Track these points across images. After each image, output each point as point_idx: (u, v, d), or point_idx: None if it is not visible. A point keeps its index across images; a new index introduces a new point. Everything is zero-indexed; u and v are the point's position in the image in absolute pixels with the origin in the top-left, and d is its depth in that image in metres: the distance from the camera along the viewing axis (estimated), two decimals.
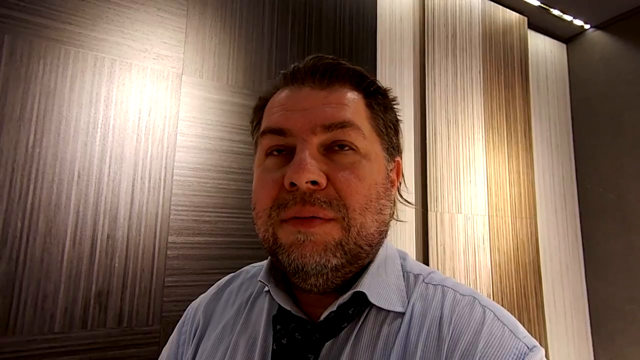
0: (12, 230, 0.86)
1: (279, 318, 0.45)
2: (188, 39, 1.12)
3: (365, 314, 0.43)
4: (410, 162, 1.48)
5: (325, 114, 0.41)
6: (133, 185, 0.99)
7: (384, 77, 1.48)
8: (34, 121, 0.90)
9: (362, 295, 0.42)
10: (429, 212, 1.41)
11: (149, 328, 0.97)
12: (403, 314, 0.42)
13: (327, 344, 0.41)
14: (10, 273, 0.84)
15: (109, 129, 0.98)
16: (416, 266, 0.49)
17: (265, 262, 0.49)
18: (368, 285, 0.42)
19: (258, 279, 0.47)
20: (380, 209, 0.42)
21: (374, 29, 1.46)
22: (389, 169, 0.46)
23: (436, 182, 1.45)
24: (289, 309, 0.43)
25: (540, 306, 1.68)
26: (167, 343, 0.57)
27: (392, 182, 0.47)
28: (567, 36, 2.17)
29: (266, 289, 0.48)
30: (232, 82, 1.17)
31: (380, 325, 0.42)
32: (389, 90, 0.49)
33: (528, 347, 0.38)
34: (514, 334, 0.39)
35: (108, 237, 0.95)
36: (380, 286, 0.43)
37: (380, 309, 0.42)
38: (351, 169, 0.40)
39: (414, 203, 1.43)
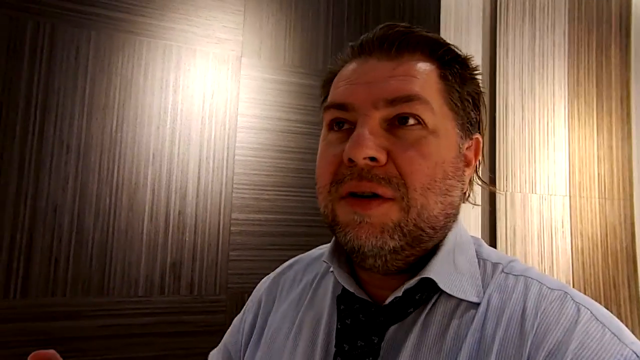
0: (103, 205, 0.98)
1: (342, 298, 0.44)
2: (246, 21, 1.15)
3: (433, 300, 0.40)
4: (484, 142, 1.37)
5: (390, 87, 0.38)
6: (199, 166, 1.07)
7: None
8: (116, 109, 1.01)
9: (430, 281, 0.40)
10: (497, 191, 1.30)
11: (216, 297, 1.05)
12: (478, 304, 0.39)
13: (393, 327, 0.40)
14: (103, 242, 0.97)
15: (177, 113, 1.06)
16: (494, 254, 0.45)
17: (331, 242, 0.49)
18: (437, 271, 0.40)
19: (322, 259, 0.47)
20: (447, 189, 0.39)
21: None
22: (463, 146, 0.42)
23: (506, 159, 1.33)
24: (352, 290, 0.43)
25: (634, 299, 1.49)
26: (232, 327, 0.59)
27: (467, 162, 0.43)
28: None
29: (331, 269, 0.48)
30: (289, 61, 1.18)
31: (451, 314, 0.39)
32: (469, 58, 0.44)
33: (637, 355, 0.33)
34: (617, 337, 0.34)
35: (179, 214, 1.04)
36: (451, 272, 0.40)
37: (450, 296, 0.40)
38: (415, 146, 0.37)
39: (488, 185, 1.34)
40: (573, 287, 1.36)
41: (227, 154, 1.10)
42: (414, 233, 0.38)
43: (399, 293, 0.39)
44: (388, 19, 1.28)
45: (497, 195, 1.31)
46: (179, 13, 1.08)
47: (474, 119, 0.44)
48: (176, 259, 1.03)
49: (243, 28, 1.15)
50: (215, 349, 0.61)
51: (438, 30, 1.36)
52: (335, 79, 0.44)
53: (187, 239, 1.04)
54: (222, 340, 0.59)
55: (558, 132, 1.43)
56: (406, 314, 0.40)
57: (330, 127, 0.42)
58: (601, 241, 1.46)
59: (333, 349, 0.42)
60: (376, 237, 0.37)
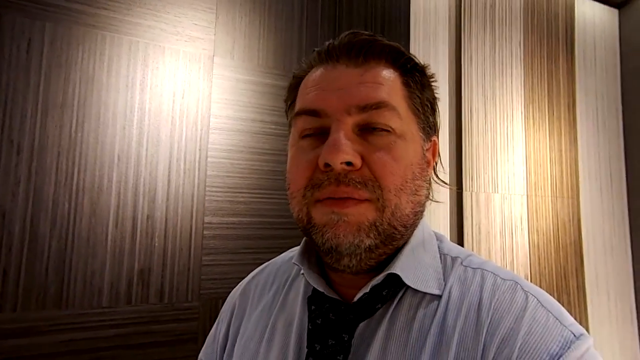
0: (61, 211, 0.90)
1: (313, 299, 0.45)
2: (219, 19, 1.12)
3: (400, 295, 0.42)
4: (444, 140, 1.43)
5: (360, 94, 0.40)
6: (169, 167, 1.02)
7: (417, 53, 1.42)
8: (76, 106, 0.94)
9: (396, 277, 0.41)
10: (464, 191, 1.36)
11: (189, 304, 1.01)
12: (440, 296, 0.41)
13: (362, 324, 0.42)
14: (61, 251, 0.90)
15: (145, 113, 1.01)
16: (454, 248, 0.48)
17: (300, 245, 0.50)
18: (402, 266, 0.41)
19: (292, 261, 0.48)
20: (416, 189, 0.41)
21: (407, 3, 1.40)
22: (425, 148, 0.44)
23: (472, 160, 1.40)
24: (322, 290, 0.44)
25: (581, 288, 1.62)
26: (208, 338, 0.59)
27: (428, 162, 0.45)
28: (620, 0, 1.99)
29: (302, 271, 0.48)
30: (263, 62, 1.16)
31: (416, 307, 0.41)
32: (426, 67, 0.47)
33: (575, 335, 0.37)
34: (559, 320, 0.38)
35: (148, 218, 0.98)
36: (415, 267, 0.42)
37: (415, 291, 0.42)
38: (386, 150, 0.39)
39: (448, 183, 1.39)
40: (530, 278, 1.46)
41: (199, 155, 1.06)
42: (387, 231, 0.40)
43: (367, 289, 0.41)
44: (361, 23, 1.30)
45: (464, 195, 1.37)
46: (146, 8, 1.03)
47: (432, 123, 0.46)
48: (144, 265, 0.97)
49: (215, 27, 1.11)
50: None
51: (408, 37, 1.40)
52: (303, 85, 0.45)
53: (156, 244, 0.98)
54: (200, 355, 0.58)
55: (516, 136, 1.53)
56: (374, 310, 0.42)
57: (302, 133, 0.43)
58: (554, 236, 1.57)
59: (305, 350, 0.43)
60: (353, 235, 0.38)
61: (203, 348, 0.58)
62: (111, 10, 0.99)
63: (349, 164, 0.38)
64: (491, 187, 1.44)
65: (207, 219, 1.05)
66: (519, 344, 0.36)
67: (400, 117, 0.41)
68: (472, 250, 1.36)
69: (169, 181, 1.01)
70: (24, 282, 0.86)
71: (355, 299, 0.42)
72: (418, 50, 1.43)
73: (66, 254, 0.90)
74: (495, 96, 1.49)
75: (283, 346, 0.45)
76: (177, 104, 1.04)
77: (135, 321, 0.95)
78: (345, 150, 0.38)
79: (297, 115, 0.43)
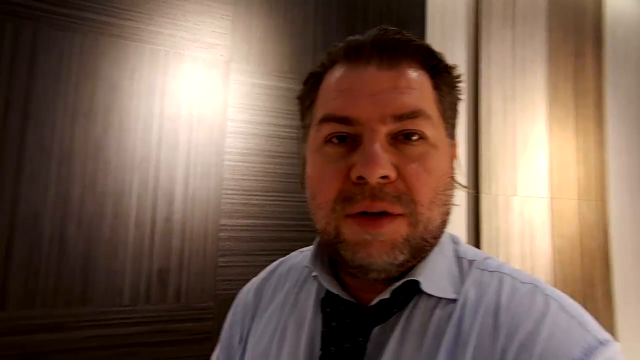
0: (87, 213, 0.95)
1: (327, 301, 0.45)
2: (235, 26, 1.14)
3: (416, 300, 0.42)
4: (461, 142, 1.41)
5: (396, 101, 0.38)
6: (187, 171, 1.05)
7: None
8: (101, 114, 0.99)
9: (413, 282, 0.41)
10: (481, 194, 1.34)
11: (204, 304, 1.04)
12: (456, 300, 0.41)
13: (377, 328, 0.41)
14: (86, 251, 0.95)
15: (165, 118, 1.04)
16: (470, 251, 0.47)
17: (311, 247, 0.49)
18: (420, 272, 0.41)
19: (305, 264, 0.48)
20: (446, 200, 0.40)
21: (422, 2, 1.38)
22: (451, 154, 0.43)
23: (489, 162, 1.37)
24: (337, 292, 0.43)
25: (608, 296, 1.55)
26: (224, 325, 0.59)
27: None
28: None
29: (314, 273, 0.48)
30: (278, 67, 1.18)
31: (432, 311, 0.41)
32: (454, 67, 0.44)
33: (599, 341, 0.35)
34: (582, 325, 0.36)
35: (166, 220, 1.02)
36: (432, 273, 0.42)
37: (431, 295, 0.41)
38: (420, 161, 0.38)
39: (465, 185, 1.37)
40: (554, 284, 1.41)
41: (216, 159, 1.09)
42: (419, 245, 0.39)
43: (387, 295, 0.40)
44: (375, 25, 1.30)
45: (481, 198, 1.34)
46: (167, 17, 1.07)
47: (455, 125, 0.45)
48: (163, 266, 1.01)
49: (232, 33, 1.14)
50: None
51: (423, 37, 1.39)
52: (326, 85, 0.43)
53: (174, 245, 1.02)
54: (214, 355, 0.59)
55: (538, 136, 1.48)
56: (390, 314, 0.41)
57: (328, 140, 0.41)
58: (579, 241, 1.51)
59: (318, 352, 0.43)
60: (388, 254, 0.37)
61: (218, 349, 0.58)
62: (134, 21, 1.04)
63: (385, 177, 0.37)
64: (510, 189, 1.40)
65: (222, 221, 1.07)
66: (539, 349, 0.35)
67: (434, 126, 0.39)
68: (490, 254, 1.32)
69: (186, 184, 1.05)
70: (53, 280, 0.91)
71: (373, 303, 0.41)
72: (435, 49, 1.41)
73: (90, 255, 0.95)
74: (515, 96, 1.44)
75: (294, 348, 0.45)
76: (194, 109, 1.08)
77: (154, 320, 0.99)
78: (382, 164, 0.36)
79: (324, 121, 0.40)
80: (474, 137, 1.39)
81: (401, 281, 0.40)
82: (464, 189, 0.51)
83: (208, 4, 1.12)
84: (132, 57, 1.02)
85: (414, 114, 0.38)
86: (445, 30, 1.44)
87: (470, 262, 0.44)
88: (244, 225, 1.10)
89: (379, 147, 0.37)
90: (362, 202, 0.37)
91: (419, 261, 0.42)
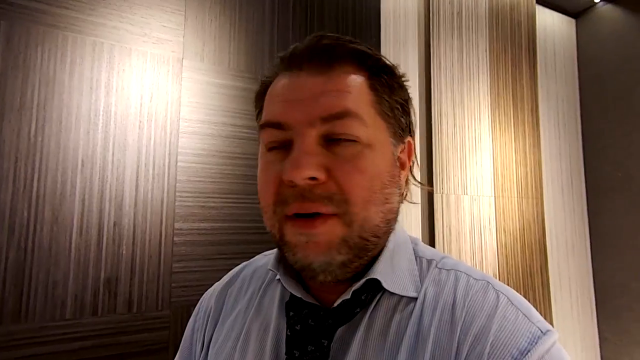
0: (19, 219, 0.86)
1: (291, 305, 0.45)
2: (187, 22, 1.10)
3: (377, 299, 0.43)
4: (415, 143, 1.45)
5: (324, 103, 0.39)
6: (137, 173, 0.99)
7: (388, 57, 1.45)
8: (35, 109, 0.89)
9: (375, 281, 0.42)
10: (434, 193, 1.40)
11: (159, 313, 0.98)
12: (416, 298, 0.42)
13: (340, 329, 0.42)
14: (20, 261, 0.85)
15: (111, 116, 0.97)
16: (428, 251, 0.48)
17: (275, 250, 0.49)
18: (381, 271, 0.42)
19: (268, 267, 0.47)
20: (386, 198, 0.41)
21: (377, 8, 1.42)
22: (397, 152, 0.44)
23: (442, 163, 1.44)
24: (299, 295, 0.43)
25: (545, 285, 1.69)
26: (185, 331, 0.57)
27: (402, 165, 0.45)
28: (576, 10, 2.10)
29: (277, 277, 0.48)
30: (234, 65, 1.15)
31: (393, 310, 0.42)
32: (395, 67, 0.45)
33: (542, 331, 0.38)
34: (527, 318, 0.39)
35: (114, 225, 0.95)
36: (393, 272, 0.43)
37: (392, 294, 0.42)
38: (352, 161, 0.39)
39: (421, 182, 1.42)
40: (498, 277, 1.51)
41: (169, 160, 1.03)
42: (359, 245, 0.39)
43: (347, 296, 0.41)
44: (332, 28, 1.31)
45: (435, 197, 1.40)
46: (111, 8, 1.00)
47: (405, 124, 0.46)
48: (111, 274, 0.93)
49: (184, 29, 1.09)
50: None
51: (379, 41, 1.43)
52: (268, 94, 0.44)
53: (124, 252, 0.95)
54: None
55: (484, 139, 1.58)
56: (353, 314, 0.42)
57: (268, 146, 0.42)
58: (520, 236, 1.63)
59: (284, 357, 0.43)
60: (324, 254, 0.38)
61: (177, 358, 0.56)
62: (73, 10, 0.95)
63: (313, 178, 0.37)
64: (461, 188, 1.48)
65: (177, 225, 1.02)
66: (490, 340, 0.37)
67: (367, 125, 0.40)
68: (443, 250, 1.39)
69: (137, 187, 0.98)
70: None
71: (335, 304, 0.41)
72: (389, 54, 1.46)
73: (25, 265, 0.86)
74: (463, 100, 1.53)
75: (258, 352, 0.45)
76: (145, 107, 1.01)
77: (102, 333, 0.91)
78: (306, 165, 0.37)
79: (262, 127, 0.42)
80: (427, 138, 1.46)
81: (361, 281, 0.41)
82: (421, 186, 0.53)
83: None
84: (70, 50, 0.94)
85: (342, 115, 0.39)
86: (399, 36, 1.49)
87: (429, 261, 0.46)
88: (201, 229, 1.05)
89: (304, 151, 0.38)
90: (294, 203, 0.38)
91: (374, 261, 0.43)
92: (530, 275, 1.65)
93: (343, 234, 0.38)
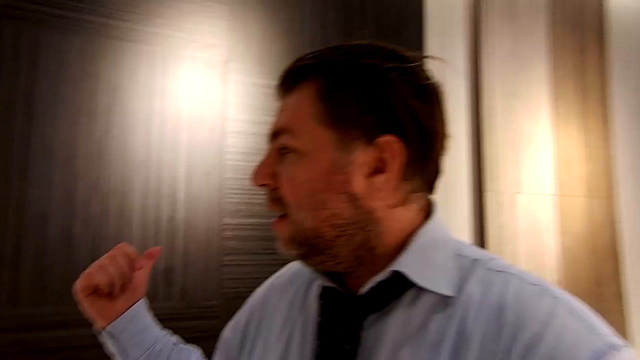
0: (92, 213, 0.96)
1: (323, 294, 0.47)
2: (233, 25, 1.15)
3: (412, 294, 0.42)
4: (461, 139, 1.39)
5: (272, 124, 0.46)
6: (189, 171, 1.06)
7: (433, 51, 1.40)
8: (102, 115, 1.00)
9: (404, 275, 0.41)
10: (484, 192, 1.32)
11: (210, 303, 1.05)
12: (456, 298, 0.41)
13: (371, 316, 0.42)
14: (93, 251, 0.96)
15: (166, 119, 1.05)
16: (476, 251, 0.46)
17: None
18: (407, 264, 0.41)
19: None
20: (321, 203, 0.42)
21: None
22: (350, 157, 0.42)
23: (493, 160, 1.35)
24: (327, 284, 0.45)
25: (618, 296, 1.53)
26: (232, 323, 0.61)
27: (377, 169, 0.42)
28: None
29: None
30: (277, 65, 1.19)
31: (434, 308, 0.41)
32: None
33: (610, 347, 0.34)
34: (591, 330, 0.36)
35: (170, 219, 1.03)
36: (425, 266, 0.42)
37: (430, 292, 0.41)
38: (286, 169, 0.44)
39: (467, 182, 1.36)
40: (560, 284, 1.39)
41: (217, 159, 1.09)
42: (307, 242, 0.43)
43: (371, 284, 0.42)
44: (373, 24, 1.30)
45: (484, 196, 1.33)
46: (165, 18, 1.08)
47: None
48: (167, 265, 1.02)
49: (229, 32, 1.15)
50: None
51: (422, 34, 1.38)
52: None
53: (178, 244, 1.03)
54: (219, 347, 0.60)
55: (543, 133, 1.46)
56: (382, 304, 0.42)
57: None
58: (586, 239, 1.49)
59: (316, 342, 0.44)
60: (285, 248, 0.45)
61: (218, 350, 0.60)
62: (132, 22, 1.05)
63: (264, 185, 0.45)
64: (515, 187, 1.38)
65: (225, 220, 1.08)
66: (544, 351, 0.34)
67: (301, 138, 0.43)
68: (494, 253, 1.32)
69: (188, 184, 1.06)
70: (62, 278, 0.92)
71: (362, 291, 0.42)
72: (433, 46, 1.40)
73: (97, 254, 0.96)
74: (517, 92, 1.43)
75: (301, 343, 0.47)
76: (194, 109, 1.09)
77: (160, 318, 0.98)
78: (258, 175, 0.45)
79: None
80: (475, 134, 1.38)
81: (385, 271, 0.41)
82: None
83: (205, 4, 1.12)
84: (130, 58, 1.03)
85: (277, 132, 0.45)
86: (445, 27, 1.43)
87: (474, 260, 0.44)
88: (248, 224, 1.10)
89: (262, 161, 0.46)
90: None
91: (400, 252, 0.42)
92: (600, 284, 1.50)
93: (288, 232, 0.44)
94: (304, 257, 0.45)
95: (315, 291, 0.50)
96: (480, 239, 1.33)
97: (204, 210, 1.06)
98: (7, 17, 0.93)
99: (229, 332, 0.61)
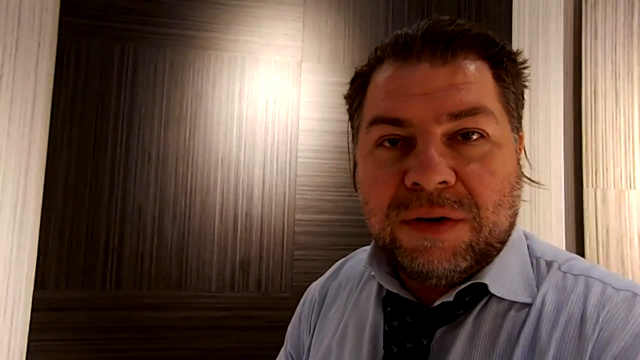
0: (179, 208, 1.07)
1: (388, 300, 0.44)
2: (306, 26, 1.17)
3: (484, 302, 0.39)
4: (557, 128, 1.23)
5: (453, 99, 0.35)
6: (264, 169, 1.12)
7: (522, 31, 1.26)
8: (189, 119, 1.10)
9: (481, 284, 0.38)
10: (585, 188, 1.16)
11: (282, 295, 1.09)
12: (530, 305, 0.37)
13: (441, 329, 0.39)
14: (180, 242, 1.06)
15: (243, 120, 1.12)
16: (549, 250, 0.42)
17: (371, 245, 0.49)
18: (490, 275, 0.38)
19: (362, 264, 0.48)
20: (514, 201, 0.37)
21: None
22: (517, 149, 0.40)
23: (596, 151, 1.18)
24: (396, 291, 0.42)
25: None
26: (291, 320, 0.61)
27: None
28: None
29: (372, 272, 0.48)
30: (349, 62, 1.18)
31: (503, 315, 0.38)
32: (519, 53, 0.40)
33: None
34: None
35: (246, 215, 1.10)
36: (502, 274, 0.39)
37: (501, 298, 0.38)
38: (482, 162, 0.35)
39: (562, 177, 1.20)
40: None
41: (290, 156, 1.13)
42: (484, 250, 0.37)
43: (450, 298, 0.38)
44: (453, 10, 1.21)
45: (585, 192, 1.16)
46: (243, 25, 1.14)
47: (521, 117, 0.41)
48: (244, 257, 1.08)
49: (303, 33, 1.17)
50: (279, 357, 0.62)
51: (510, 16, 1.25)
52: (374, 84, 0.41)
53: (254, 238, 1.09)
54: (284, 349, 0.60)
55: None
56: (455, 315, 0.39)
57: (378, 142, 0.39)
58: None
59: (381, 351, 0.42)
60: (449, 261, 0.36)
61: (287, 344, 0.60)
62: (214, 32, 1.13)
63: (444, 182, 0.35)
64: (625, 182, 1.18)
65: (297, 216, 1.11)
66: None
67: (497, 122, 0.36)
68: (598, 258, 1.14)
69: (263, 181, 1.11)
70: (155, 266, 1.05)
71: (436, 303, 0.39)
72: (523, 26, 1.26)
73: (184, 245, 1.07)
74: (630, 73, 1.22)
75: (356, 346, 0.45)
76: (269, 110, 1.14)
77: (238, 306, 1.07)
78: (439, 170, 0.34)
79: (374, 123, 0.39)
80: (575, 122, 1.21)
81: (466, 284, 0.38)
82: (537, 185, 0.45)
83: (280, 8, 1.16)
84: (213, 65, 1.12)
85: (474, 111, 0.35)
86: (537, 5, 1.28)
87: (549, 263, 0.40)
88: (319, 220, 1.13)
89: (435, 151, 0.34)
90: (419, 208, 0.35)
91: (484, 265, 0.39)
92: None
93: (470, 239, 0.36)
94: (462, 272, 0.37)
95: (369, 292, 0.49)
96: (579, 241, 1.17)
97: (278, 207, 1.11)
98: (112, 37, 1.07)
99: (291, 347, 0.59)
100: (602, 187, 1.17)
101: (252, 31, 1.15)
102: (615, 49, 1.22)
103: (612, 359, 0.31)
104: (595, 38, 1.22)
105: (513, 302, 0.38)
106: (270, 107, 1.14)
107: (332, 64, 1.18)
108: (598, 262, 1.13)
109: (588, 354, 0.32)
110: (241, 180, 1.10)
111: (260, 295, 1.08)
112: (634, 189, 1.19)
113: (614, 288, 0.35)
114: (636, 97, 1.23)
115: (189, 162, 1.09)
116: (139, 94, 1.07)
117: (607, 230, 1.15)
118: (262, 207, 1.10)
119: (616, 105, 1.21)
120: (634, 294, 0.34)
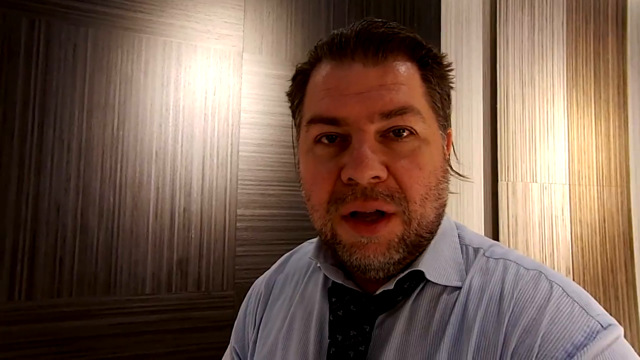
0: (107, 204, 0.97)
1: (333, 291, 0.46)
2: (247, 16, 1.14)
3: (420, 287, 0.42)
4: (478, 128, 1.38)
5: (384, 99, 0.37)
6: (203, 163, 1.06)
7: (449, 38, 1.38)
8: (117, 107, 1.00)
9: (418, 271, 0.42)
10: (499, 181, 1.32)
11: (224, 293, 1.06)
12: (460, 288, 0.41)
13: (382, 315, 0.42)
14: (108, 242, 0.97)
15: (180, 110, 1.05)
16: (475, 239, 0.47)
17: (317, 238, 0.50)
18: (424, 262, 0.41)
19: (308, 256, 0.49)
20: (439, 194, 0.41)
21: None
22: (444, 145, 0.43)
23: (507, 149, 1.34)
24: (340, 282, 0.44)
25: (630, 283, 1.53)
26: (238, 314, 0.61)
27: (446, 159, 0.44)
28: None
29: (318, 264, 0.49)
30: (291, 56, 1.17)
31: (437, 299, 0.41)
32: (444, 56, 0.44)
33: (602, 325, 0.35)
34: (585, 310, 0.36)
35: (184, 211, 1.03)
36: (436, 261, 0.42)
37: (436, 283, 0.42)
38: (411, 158, 0.38)
39: (483, 172, 1.35)
40: (573, 272, 1.39)
41: (231, 150, 1.09)
42: (415, 242, 0.40)
43: (390, 286, 0.41)
44: (389, 12, 1.28)
45: (499, 185, 1.32)
46: (178, 9, 1.07)
47: (448, 115, 0.44)
48: (182, 256, 1.02)
49: (244, 23, 1.13)
50: (225, 355, 0.61)
51: (439, 22, 1.36)
52: (313, 83, 0.43)
53: (193, 235, 1.04)
54: (230, 345, 0.60)
55: (557, 121, 1.44)
56: (395, 302, 0.42)
57: (317, 140, 0.41)
58: (599, 228, 1.48)
59: (327, 340, 0.43)
60: (384, 255, 0.38)
61: (232, 340, 0.59)
62: (146, 13, 1.04)
63: (375, 177, 0.37)
64: (529, 176, 1.37)
65: (239, 212, 1.08)
66: (541, 334, 0.35)
67: (424, 120, 0.39)
68: (509, 242, 1.31)
69: (203, 175, 1.06)
70: (77, 270, 0.94)
71: (377, 292, 0.42)
72: (450, 34, 1.38)
73: (112, 245, 0.97)
74: (534, 80, 1.41)
75: (302, 337, 0.46)
76: (209, 100, 1.08)
77: (176, 308, 1.01)
78: (372, 165, 0.36)
79: (312, 122, 0.41)
80: (491, 123, 1.37)
81: (404, 272, 0.41)
82: (460, 178, 0.50)
83: None
84: (145, 50, 1.03)
85: (403, 110, 0.38)
86: (461, 15, 1.41)
87: (476, 249, 0.45)
88: (262, 215, 1.11)
89: (368, 148, 0.37)
90: (354, 202, 0.38)
91: (418, 255, 0.42)
92: (612, 271, 1.49)
93: (402, 232, 0.39)
94: (396, 263, 0.39)
95: (315, 283, 0.50)
96: (493, 228, 1.33)
97: (219, 202, 1.07)
98: (20, 9, 0.92)
99: (236, 341, 0.59)
100: (512, 180, 1.34)
101: (189, 16, 1.08)
102: (522, 59, 1.40)
103: (523, 329, 0.36)
104: (507, 49, 1.39)
105: (445, 286, 0.41)
106: (210, 97, 1.08)
107: (274, 57, 1.16)
108: (509, 247, 1.30)
109: (505, 326, 0.37)
110: (178, 175, 1.04)
111: (201, 295, 1.03)
112: (536, 182, 1.38)
113: (525, 268, 0.41)
114: (537, 101, 1.42)
115: (117, 154, 0.99)
116: (54, 77, 0.94)
117: (516, 219, 1.33)
118: (201, 202, 1.05)
119: (523, 109, 1.39)
120: (540, 272, 0.40)
